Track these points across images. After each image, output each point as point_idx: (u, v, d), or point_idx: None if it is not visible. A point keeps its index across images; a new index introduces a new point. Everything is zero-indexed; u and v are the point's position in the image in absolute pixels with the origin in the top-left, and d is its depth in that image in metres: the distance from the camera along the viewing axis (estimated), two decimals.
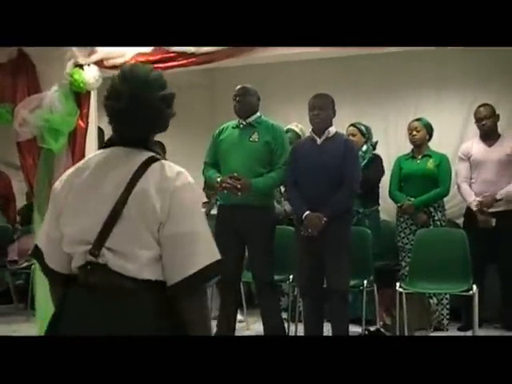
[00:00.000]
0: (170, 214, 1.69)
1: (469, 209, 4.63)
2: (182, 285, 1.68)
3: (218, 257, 1.73)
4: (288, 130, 5.21)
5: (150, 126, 1.80)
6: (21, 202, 6.41)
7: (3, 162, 6.15)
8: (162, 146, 5.28)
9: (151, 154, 1.77)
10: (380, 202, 5.02)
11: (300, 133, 5.16)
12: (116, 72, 1.84)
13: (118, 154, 1.79)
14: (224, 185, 4.05)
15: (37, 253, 1.85)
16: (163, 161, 1.77)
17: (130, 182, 1.70)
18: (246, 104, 4.21)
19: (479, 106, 4.67)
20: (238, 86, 4.26)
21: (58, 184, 1.84)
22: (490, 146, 4.66)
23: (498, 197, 4.47)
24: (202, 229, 1.74)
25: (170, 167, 1.76)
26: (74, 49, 4.43)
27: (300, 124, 5.20)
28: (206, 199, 5.60)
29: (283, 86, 6.15)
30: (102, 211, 1.69)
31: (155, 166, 1.73)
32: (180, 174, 1.75)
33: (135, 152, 1.78)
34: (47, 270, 1.83)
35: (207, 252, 1.72)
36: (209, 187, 5.06)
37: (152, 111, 1.76)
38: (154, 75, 1.81)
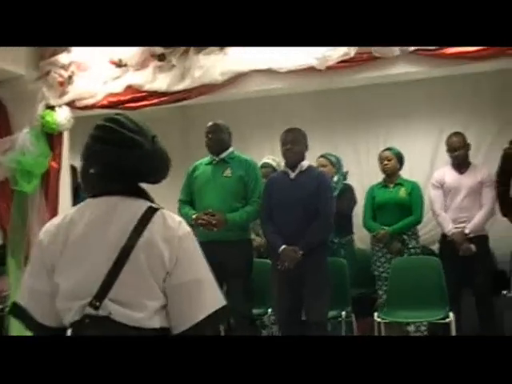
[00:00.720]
0: (177, 263, 1.70)
1: (444, 235, 4.67)
2: (190, 332, 1.69)
3: (224, 302, 1.76)
4: (264, 165, 5.25)
5: (142, 175, 1.81)
6: None
7: None
8: None
9: (148, 202, 1.79)
10: (354, 230, 5.05)
11: (277, 167, 5.16)
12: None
13: (113, 203, 1.76)
14: (199, 221, 4.07)
15: (17, 311, 1.78)
16: (163, 210, 1.79)
17: (134, 231, 1.69)
18: (217, 141, 4.27)
19: (451, 136, 4.73)
20: (210, 123, 4.33)
21: (43, 236, 1.78)
22: (462, 173, 4.70)
23: (467, 231, 4.52)
24: (207, 275, 1.76)
25: (171, 217, 1.78)
26: (45, 90, 4.48)
27: (276, 158, 5.22)
28: None
29: (257, 120, 6.22)
30: (104, 262, 1.67)
31: (158, 215, 1.74)
32: (181, 223, 1.77)
33: (131, 201, 1.77)
34: (36, 326, 1.76)
35: (214, 298, 1.74)
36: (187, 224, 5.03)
37: (147, 160, 1.77)
38: (146, 126, 1.84)
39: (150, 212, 1.75)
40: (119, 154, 1.73)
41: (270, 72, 4.05)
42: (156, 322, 1.70)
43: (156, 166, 1.80)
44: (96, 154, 1.77)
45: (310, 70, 3.92)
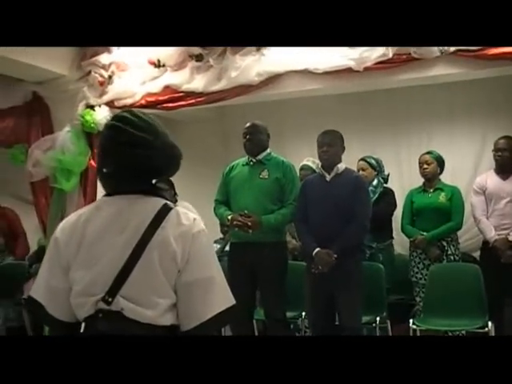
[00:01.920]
0: (189, 261, 1.72)
1: (486, 242, 4.58)
2: (197, 330, 1.71)
3: (233, 302, 1.77)
4: (304, 167, 5.25)
5: (158, 173, 1.84)
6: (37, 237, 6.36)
7: (15, 197, 6.19)
8: (170, 183, 5.28)
9: (163, 200, 1.80)
10: (394, 235, 5.00)
11: (317, 169, 5.07)
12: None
13: (128, 202, 1.78)
14: (234, 222, 4.09)
15: (34, 305, 1.80)
16: (178, 208, 1.81)
17: (148, 230, 1.71)
18: (255, 141, 4.26)
19: (500, 137, 4.64)
20: (248, 124, 4.32)
21: (59, 234, 1.80)
22: (505, 179, 4.62)
23: (511, 238, 4.42)
24: (218, 274, 1.77)
25: (185, 214, 1.80)
26: (86, 90, 4.62)
27: (316, 160, 5.12)
28: (221, 235, 5.63)
29: (295, 121, 6.22)
30: (117, 259, 1.70)
31: (172, 213, 1.76)
32: (195, 220, 1.79)
33: (145, 199, 1.80)
34: (51, 321, 1.80)
35: (223, 297, 1.75)
36: (222, 224, 5.09)
37: (161, 157, 1.79)
38: (157, 121, 1.84)
39: (165, 210, 1.77)
40: (128, 154, 1.74)
41: (306, 73, 4.07)
42: (167, 320, 1.72)
43: (166, 163, 1.82)
44: (107, 153, 1.80)
45: (347, 71, 3.93)
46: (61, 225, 1.82)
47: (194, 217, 1.81)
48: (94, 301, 1.70)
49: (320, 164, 4.24)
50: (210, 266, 1.77)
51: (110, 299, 1.68)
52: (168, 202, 1.81)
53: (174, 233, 1.73)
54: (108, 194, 1.83)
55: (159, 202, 1.80)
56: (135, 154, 1.75)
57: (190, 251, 1.73)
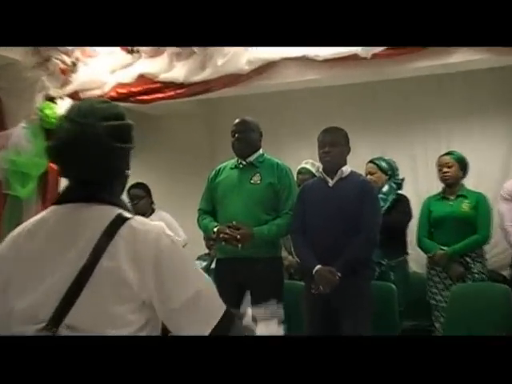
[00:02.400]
0: (164, 286, 1.71)
1: None
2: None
3: (224, 307, 1.80)
4: (302, 170, 5.29)
5: (98, 166, 1.77)
6: None
7: None
8: (146, 189, 5.38)
9: (116, 209, 1.78)
10: (409, 250, 5.03)
11: (317, 173, 5.01)
12: None
13: (76, 212, 1.77)
14: (221, 235, 4.12)
15: None
16: (136, 218, 1.77)
17: (96, 248, 1.69)
18: (245, 141, 4.31)
19: None
20: (237, 120, 4.33)
21: (1, 248, 1.81)
22: None
23: None
24: (202, 284, 1.78)
25: (145, 227, 1.75)
26: (45, 79, 4.57)
27: (316, 162, 5.16)
28: (206, 251, 5.67)
29: (292, 117, 6.28)
30: (62, 282, 1.68)
31: (127, 226, 1.74)
32: (159, 234, 1.76)
33: (98, 208, 1.78)
34: None
35: (214, 308, 1.78)
36: (207, 238, 5.11)
37: (95, 145, 1.74)
38: (100, 105, 1.82)
39: (118, 222, 1.74)
40: (69, 154, 1.75)
41: (304, 60, 4.09)
42: None
43: (112, 163, 1.81)
44: (54, 154, 1.80)
45: (353, 59, 3.95)
46: (6, 238, 1.83)
47: (157, 228, 1.77)
48: (35, 330, 1.68)
49: (321, 167, 4.26)
50: (192, 281, 1.76)
51: (53, 329, 1.65)
52: (122, 212, 1.78)
53: (131, 252, 1.71)
54: (57, 202, 1.83)
55: (112, 211, 1.77)
56: (74, 154, 1.76)
57: (161, 274, 1.71)
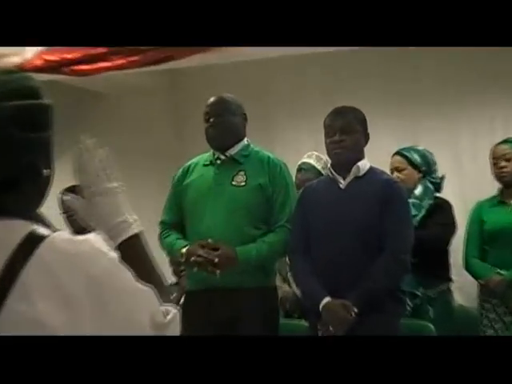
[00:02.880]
0: (104, 313, 1.68)
1: None
2: None
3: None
4: (303, 166, 5.20)
5: None
6: None
7: None
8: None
9: (31, 225, 1.72)
10: (453, 276, 4.94)
11: (324, 170, 5.00)
12: None
13: None
14: (193, 258, 4.03)
15: None
16: (57, 235, 1.70)
17: (3, 275, 1.65)
18: (224, 128, 4.17)
19: None
20: (212, 99, 4.21)
21: None
22: None
23: None
24: (136, 289, 1.76)
25: (71, 245, 1.69)
26: None
27: (323, 155, 5.09)
28: (173, 279, 5.68)
29: (288, 94, 6.22)
30: None
31: (43, 247, 1.66)
32: (91, 253, 1.71)
33: (6, 224, 1.72)
34: None
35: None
36: (174, 262, 5.09)
37: None
38: (1, 77, 1.76)
39: (31, 243, 1.67)
40: None
41: None
42: None
43: (19, 159, 1.72)
44: None
45: None
46: None
47: (87, 245, 1.71)
48: None
49: (329, 162, 4.16)
50: (143, 307, 1.74)
51: None
52: (37, 228, 1.69)
53: (48, 286, 1.65)
54: None
55: (22, 228, 1.69)
56: None
57: (96, 310, 1.67)
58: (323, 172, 4.96)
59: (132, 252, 1.88)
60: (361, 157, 4.06)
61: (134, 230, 1.92)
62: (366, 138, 4.09)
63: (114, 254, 1.79)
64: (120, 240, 1.89)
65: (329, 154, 4.11)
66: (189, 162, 4.36)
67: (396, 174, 4.77)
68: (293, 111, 6.26)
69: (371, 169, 4.08)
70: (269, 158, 4.24)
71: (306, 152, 5.44)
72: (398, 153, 4.98)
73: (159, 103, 6.61)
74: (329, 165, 4.19)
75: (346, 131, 3.99)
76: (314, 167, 5.22)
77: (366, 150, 4.11)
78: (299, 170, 5.25)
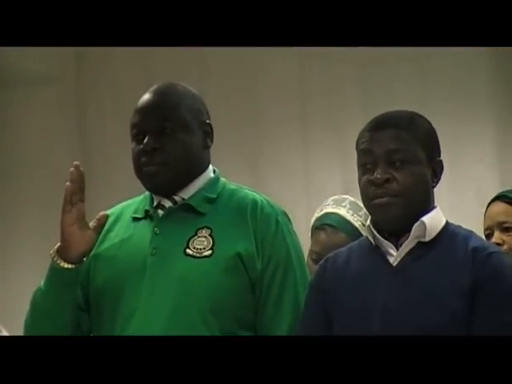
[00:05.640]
0: None
1: None
2: None
3: None
4: (326, 222, 3.81)
5: None
6: None
7: None
8: None
9: None
10: None
11: (363, 229, 3.69)
12: None
13: None
14: None
15: None
16: None
17: None
18: (169, 151, 2.90)
19: None
20: (146, 97, 2.96)
21: None
22: None
23: None
24: None
25: None
26: None
27: (357, 200, 3.78)
28: None
29: (280, 91, 5.96)
30: None
31: None
32: None
33: None
34: None
35: None
36: None
37: None
38: None
39: None
40: None
41: None
42: None
43: None
44: None
45: None
46: None
47: None
48: None
49: (369, 217, 2.88)
50: None
51: None
52: None
53: None
54: None
55: None
56: None
57: None
58: (362, 232, 3.53)
59: None
60: (426, 206, 2.70)
61: None
62: (436, 169, 2.71)
63: None
64: None
65: (365, 203, 2.78)
66: (110, 210, 3.02)
67: (498, 235, 3.49)
68: (297, 117, 5.84)
69: (447, 227, 2.69)
70: (255, 202, 2.82)
71: (326, 194, 4.12)
72: (500, 197, 3.71)
73: (61, 98, 6.25)
74: (368, 221, 2.85)
75: (401, 158, 2.69)
76: (348, 222, 3.71)
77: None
78: (319, 227, 3.65)
